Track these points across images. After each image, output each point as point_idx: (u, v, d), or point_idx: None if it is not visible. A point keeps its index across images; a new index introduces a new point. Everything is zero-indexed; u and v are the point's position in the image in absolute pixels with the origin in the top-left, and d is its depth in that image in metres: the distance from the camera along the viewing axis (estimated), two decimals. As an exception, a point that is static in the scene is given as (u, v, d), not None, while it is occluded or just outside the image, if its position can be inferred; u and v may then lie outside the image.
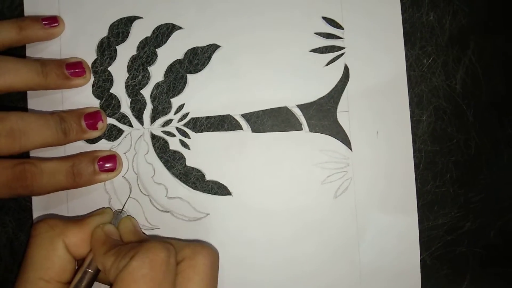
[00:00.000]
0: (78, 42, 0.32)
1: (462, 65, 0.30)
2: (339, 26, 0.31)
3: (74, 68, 0.31)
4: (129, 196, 0.32)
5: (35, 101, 0.32)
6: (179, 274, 0.26)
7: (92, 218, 0.29)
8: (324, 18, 0.31)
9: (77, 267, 0.28)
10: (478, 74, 0.31)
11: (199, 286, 0.26)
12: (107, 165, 0.31)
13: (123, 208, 0.31)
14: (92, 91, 0.32)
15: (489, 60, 0.31)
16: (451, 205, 0.30)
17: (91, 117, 0.31)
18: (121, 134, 0.32)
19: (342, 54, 0.31)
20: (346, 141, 0.31)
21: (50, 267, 0.26)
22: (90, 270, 0.27)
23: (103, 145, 0.32)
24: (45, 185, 0.29)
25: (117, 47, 0.32)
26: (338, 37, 0.31)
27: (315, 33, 0.31)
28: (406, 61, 0.31)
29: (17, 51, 0.32)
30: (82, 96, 0.32)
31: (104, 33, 0.32)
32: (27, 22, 0.30)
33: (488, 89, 0.31)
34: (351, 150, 0.31)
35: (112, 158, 0.31)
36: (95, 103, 0.32)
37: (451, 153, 0.30)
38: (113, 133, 0.32)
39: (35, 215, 0.32)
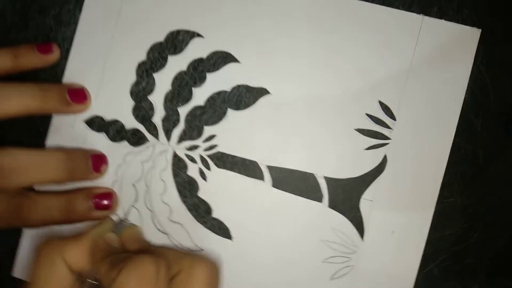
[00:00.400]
0: (131, 38, 0.32)
1: (471, 74, 0.30)
2: (392, 116, 0.30)
3: (76, 94, 0.30)
4: (132, 205, 0.31)
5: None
6: (176, 287, 0.26)
7: (91, 232, 0.29)
8: (380, 102, 0.30)
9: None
10: (487, 83, 0.30)
11: None
12: (103, 202, 0.30)
13: (126, 217, 0.31)
14: (131, 91, 0.32)
15: (498, 69, 0.30)
16: (459, 215, 0.30)
17: (97, 159, 0.31)
18: (145, 143, 0.32)
19: (385, 144, 0.30)
20: (360, 229, 0.30)
21: (52, 286, 0.26)
22: (91, 281, 0.27)
23: (125, 147, 0.32)
24: (39, 219, 0.29)
25: (169, 57, 0.31)
26: (388, 127, 0.30)
27: (367, 114, 0.30)
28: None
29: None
30: (119, 95, 0.32)
31: (160, 38, 0.31)
32: (22, 50, 0.30)
33: (497, 99, 0.30)
34: (362, 239, 0.30)
35: (108, 195, 0.31)
36: (129, 103, 0.32)
37: (459, 164, 0.30)
38: (137, 139, 0.32)
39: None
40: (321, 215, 0.30)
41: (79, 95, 0.31)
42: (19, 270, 0.32)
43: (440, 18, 0.30)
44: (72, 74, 0.32)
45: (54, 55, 0.31)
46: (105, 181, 0.31)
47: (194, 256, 0.27)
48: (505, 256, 0.30)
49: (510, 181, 0.30)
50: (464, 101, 0.30)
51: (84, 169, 0.30)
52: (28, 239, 0.32)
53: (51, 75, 0.32)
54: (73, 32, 0.32)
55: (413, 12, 0.30)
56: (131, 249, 0.29)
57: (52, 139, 0.32)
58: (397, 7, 0.30)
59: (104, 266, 0.26)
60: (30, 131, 0.32)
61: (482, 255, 0.30)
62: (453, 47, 0.30)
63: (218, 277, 0.28)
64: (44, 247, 0.27)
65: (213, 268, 0.27)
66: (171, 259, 0.27)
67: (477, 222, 0.30)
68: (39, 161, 0.28)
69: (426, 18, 0.30)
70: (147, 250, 0.28)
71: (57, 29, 0.32)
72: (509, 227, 0.30)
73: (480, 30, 0.30)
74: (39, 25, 0.32)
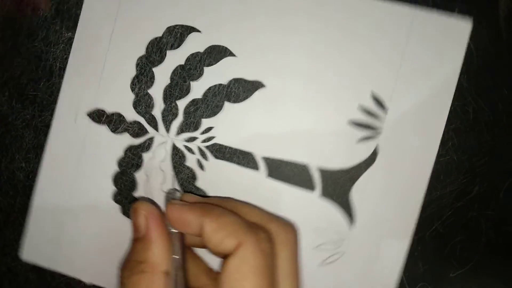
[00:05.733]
0: (130, 34, 0.33)
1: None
2: (383, 107, 0.31)
3: None
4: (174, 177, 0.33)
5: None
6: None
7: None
8: (373, 95, 0.31)
9: None
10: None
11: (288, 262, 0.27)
12: None
13: (175, 189, 0.32)
14: (130, 84, 0.33)
15: (475, 23, 0.30)
16: (456, 172, 0.31)
17: None
18: (145, 135, 0.33)
19: (377, 135, 0.31)
20: (351, 218, 0.31)
21: None
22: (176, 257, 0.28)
23: (126, 139, 0.33)
24: None
25: (167, 51, 0.33)
26: (380, 118, 0.31)
27: (359, 107, 0.31)
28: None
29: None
30: (120, 89, 0.33)
31: (159, 33, 0.33)
32: None
33: (478, 52, 0.30)
34: (352, 228, 0.31)
35: None
36: (130, 97, 0.33)
37: (450, 121, 0.31)
38: (137, 131, 0.33)
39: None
40: (313, 204, 0.32)
41: None
42: (27, 253, 0.34)
43: (433, 7, 0.31)
44: (74, 67, 0.33)
45: None
46: (106, 171, 0.33)
47: (279, 221, 0.28)
48: (508, 203, 0.31)
49: (502, 131, 0.31)
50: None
51: None
52: (34, 221, 0.33)
53: (55, 63, 0.33)
54: (62, 51, 0.33)
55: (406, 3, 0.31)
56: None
57: (55, 133, 0.33)
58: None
59: (211, 223, 0.26)
60: (29, 126, 0.33)
61: (485, 207, 0.31)
62: (444, 39, 0.31)
63: (297, 239, 0.28)
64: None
65: (295, 232, 0.28)
66: (261, 220, 0.27)
67: (475, 176, 0.31)
68: None
69: (418, 10, 0.31)
70: (232, 202, 0.29)
71: (47, 50, 0.33)
72: (508, 176, 0.31)
73: (471, 24, 0.30)
74: (30, 49, 0.34)
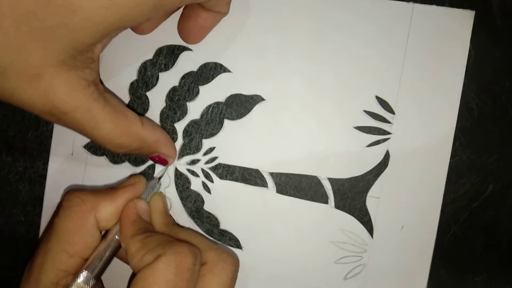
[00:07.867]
0: (121, 58, 0.31)
1: None
2: (391, 110, 0.30)
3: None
4: (166, 168, 0.31)
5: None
6: (199, 278, 0.26)
7: (124, 190, 0.28)
8: (377, 97, 0.30)
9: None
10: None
11: None
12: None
13: (159, 179, 0.31)
14: (126, 112, 0.31)
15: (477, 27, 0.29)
16: (468, 172, 0.30)
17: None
18: (145, 162, 0.32)
19: (386, 139, 0.30)
20: (369, 227, 0.30)
21: (77, 242, 0.26)
22: (117, 237, 0.27)
23: (126, 168, 0.32)
24: None
25: (159, 74, 0.31)
26: (387, 121, 0.30)
27: (364, 110, 0.30)
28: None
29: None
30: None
31: (149, 55, 0.31)
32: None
33: (475, 47, 0.29)
34: (372, 237, 0.30)
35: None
36: (126, 124, 0.31)
37: (456, 121, 0.30)
38: (137, 159, 0.32)
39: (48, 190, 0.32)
40: (328, 216, 0.30)
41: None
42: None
43: (431, 4, 0.29)
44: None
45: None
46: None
47: (221, 251, 0.27)
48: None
49: (509, 124, 0.29)
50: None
51: None
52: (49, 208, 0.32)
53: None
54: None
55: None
56: (156, 222, 0.29)
57: (53, 165, 0.32)
58: (385, -2, 0.30)
59: (135, 244, 0.26)
60: (23, 179, 0.32)
61: (501, 204, 0.30)
62: (447, 31, 0.29)
63: (236, 275, 0.28)
64: (74, 200, 0.27)
65: (235, 267, 0.27)
66: (199, 248, 0.27)
67: (488, 174, 0.30)
68: None
69: (417, 5, 0.29)
70: (175, 230, 0.28)
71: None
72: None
73: (474, 12, 0.29)
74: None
